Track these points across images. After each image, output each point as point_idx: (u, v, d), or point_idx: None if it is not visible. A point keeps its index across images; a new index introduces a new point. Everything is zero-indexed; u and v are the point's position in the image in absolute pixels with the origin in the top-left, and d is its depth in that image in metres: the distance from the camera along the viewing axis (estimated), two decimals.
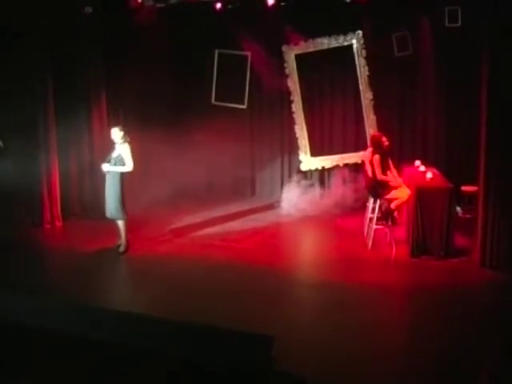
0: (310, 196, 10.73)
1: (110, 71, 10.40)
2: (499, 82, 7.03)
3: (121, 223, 8.23)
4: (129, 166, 8.05)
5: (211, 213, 10.42)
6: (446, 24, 9.86)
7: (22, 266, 7.72)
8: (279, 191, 11.22)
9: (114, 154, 8.10)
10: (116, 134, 8.09)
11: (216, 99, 11.78)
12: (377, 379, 4.87)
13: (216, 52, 11.60)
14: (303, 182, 10.94)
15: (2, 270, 7.45)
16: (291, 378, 4.09)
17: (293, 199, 10.62)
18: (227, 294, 6.69)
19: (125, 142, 8.09)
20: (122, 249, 8.28)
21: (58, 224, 9.87)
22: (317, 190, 10.97)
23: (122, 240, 8.29)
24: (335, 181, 11.19)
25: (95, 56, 10.17)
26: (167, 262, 7.91)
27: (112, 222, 8.32)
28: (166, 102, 11.53)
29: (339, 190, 10.91)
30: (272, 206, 10.78)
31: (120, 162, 8.05)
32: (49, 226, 9.73)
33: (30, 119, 9.50)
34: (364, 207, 9.24)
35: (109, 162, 8.11)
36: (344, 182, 11.01)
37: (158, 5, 10.49)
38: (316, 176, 11.35)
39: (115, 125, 8.54)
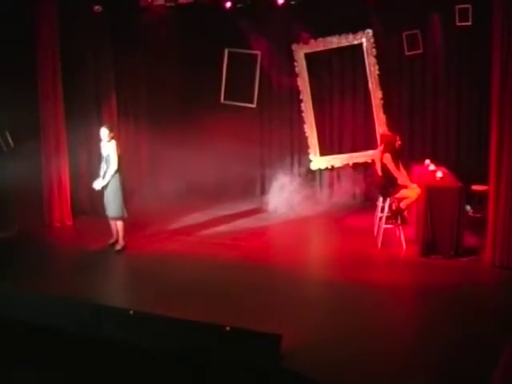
0: (299, 196, 10.67)
1: (120, 70, 10.45)
2: (510, 82, 6.98)
3: (119, 223, 8.27)
4: (114, 164, 8.02)
5: (220, 211, 10.44)
6: (457, 23, 9.82)
7: (32, 264, 7.75)
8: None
9: (104, 154, 8.14)
10: (104, 132, 8.10)
11: (225, 98, 11.79)
12: (387, 378, 4.84)
13: (226, 51, 11.62)
14: (292, 182, 10.87)
15: (12, 268, 7.48)
16: (298, 377, 4.08)
17: (278, 201, 10.53)
18: (235, 292, 6.68)
19: (111, 139, 8.11)
20: (112, 242, 8.36)
21: (68, 223, 9.91)
22: (306, 190, 10.92)
23: (115, 236, 8.37)
24: (328, 180, 11.26)
25: (105, 55, 10.22)
26: (176, 260, 7.91)
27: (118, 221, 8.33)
28: (176, 100, 11.56)
29: (331, 189, 10.96)
30: (257, 211, 10.64)
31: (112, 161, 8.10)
32: (59, 225, 9.76)
33: (40, 118, 9.53)
34: (374, 206, 9.20)
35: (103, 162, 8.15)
36: (333, 182, 11.07)
37: (168, 4, 10.53)
38: (308, 175, 11.39)
39: (103, 124, 8.59)
